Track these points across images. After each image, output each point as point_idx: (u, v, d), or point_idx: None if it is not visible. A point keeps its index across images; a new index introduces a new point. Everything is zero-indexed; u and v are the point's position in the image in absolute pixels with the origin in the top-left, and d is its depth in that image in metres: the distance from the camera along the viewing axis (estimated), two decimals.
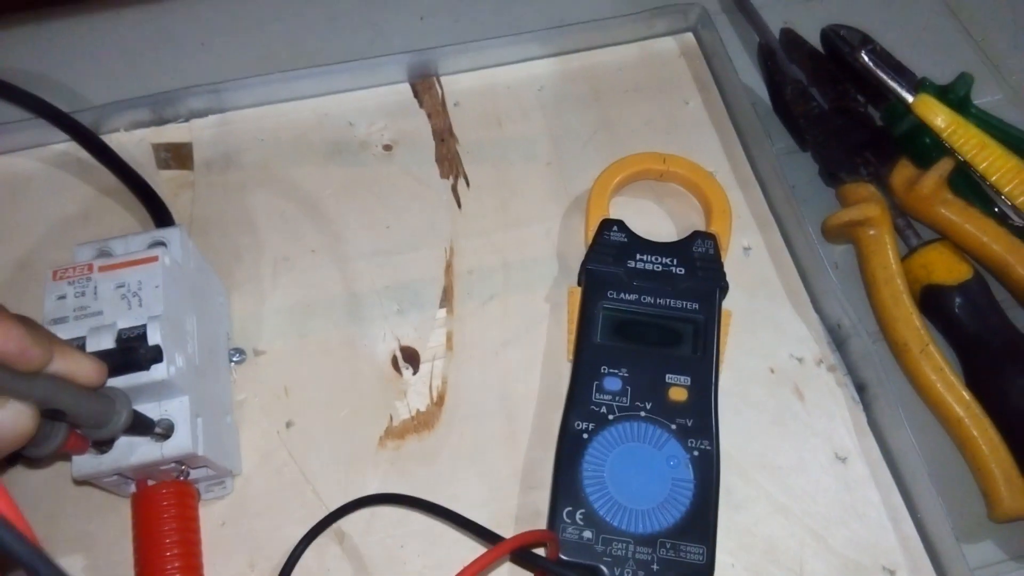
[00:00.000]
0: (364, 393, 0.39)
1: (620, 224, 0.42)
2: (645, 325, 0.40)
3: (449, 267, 0.43)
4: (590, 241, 0.41)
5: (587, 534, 0.35)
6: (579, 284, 0.41)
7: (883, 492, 0.38)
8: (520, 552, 0.34)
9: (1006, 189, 0.40)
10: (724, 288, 0.40)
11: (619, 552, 0.34)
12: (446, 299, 0.42)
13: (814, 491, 0.38)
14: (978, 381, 0.39)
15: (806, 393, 0.40)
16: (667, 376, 0.38)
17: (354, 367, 0.40)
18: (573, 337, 0.39)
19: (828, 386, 0.41)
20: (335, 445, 0.38)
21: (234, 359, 0.40)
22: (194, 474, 0.34)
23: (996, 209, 0.42)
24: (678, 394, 0.38)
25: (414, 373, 0.40)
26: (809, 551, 0.37)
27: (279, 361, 0.40)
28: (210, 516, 0.36)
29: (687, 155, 0.45)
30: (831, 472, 0.39)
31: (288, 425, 0.39)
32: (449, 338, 0.41)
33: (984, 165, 0.41)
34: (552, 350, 0.41)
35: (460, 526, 0.35)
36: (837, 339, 0.42)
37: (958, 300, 0.40)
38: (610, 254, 0.41)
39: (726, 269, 0.43)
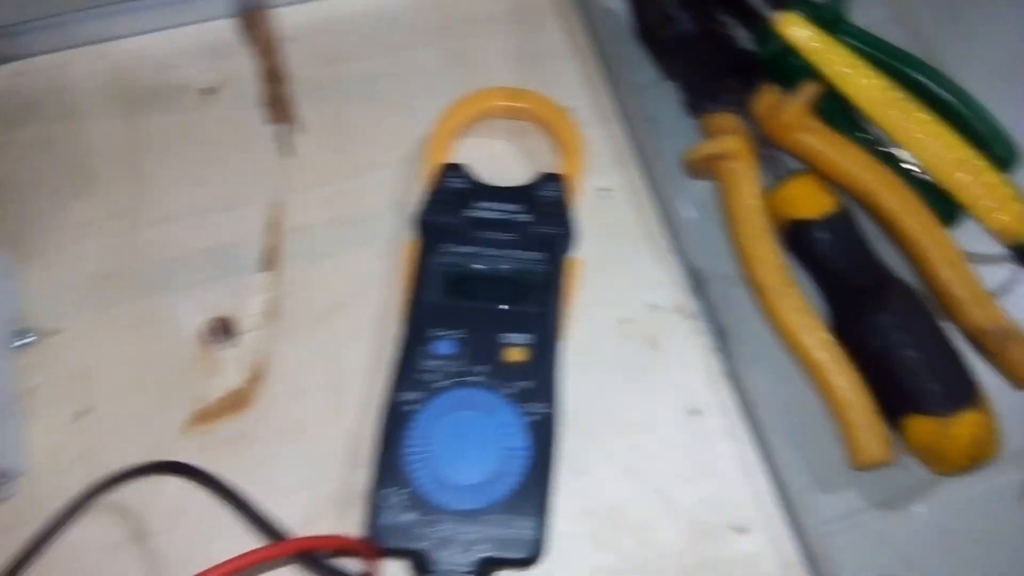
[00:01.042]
0: (171, 372, 0.36)
1: (461, 168, 0.38)
2: (484, 280, 0.36)
3: (275, 224, 0.39)
4: (427, 187, 0.38)
5: (409, 516, 0.32)
6: (415, 238, 0.38)
7: (738, 446, 0.36)
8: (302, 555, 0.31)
9: (876, 115, 0.37)
10: (571, 236, 0.37)
11: (444, 533, 0.32)
12: (270, 260, 0.39)
13: (664, 449, 0.36)
14: (842, 323, 0.37)
15: (662, 343, 0.38)
16: (505, 336, 0.35)
17: (161, 343, 0.37)
18: (406, 297, 0.36)
19: (685, 335, 0.38)
20: (137, 433, 0.35)
21: (17, 342, 0.36)
22: None
23: (865, 136, 0.39)
24: (516, 355, 0.35)
25: (230, 347, 0.37)
26: (657, 514, 0.35)
27: (78, 341, 0.36)
28: None
29: (546, 89, 0.41)
30: (684, 427, 0.36)
31: (85, 413, 0.35)
32: (271, 304, 0.38)
33: (850, 88, 0.37)
34: (387, 313, 0.38)
35: (247, 517, 0.32)
36: (696, 283, 0.39)
37: (822, 235, 0.37)
38: (448, 202, 0.37)
39: (582, 213, 0.39)
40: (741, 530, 0.34)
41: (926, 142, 0.36)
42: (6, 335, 0.35)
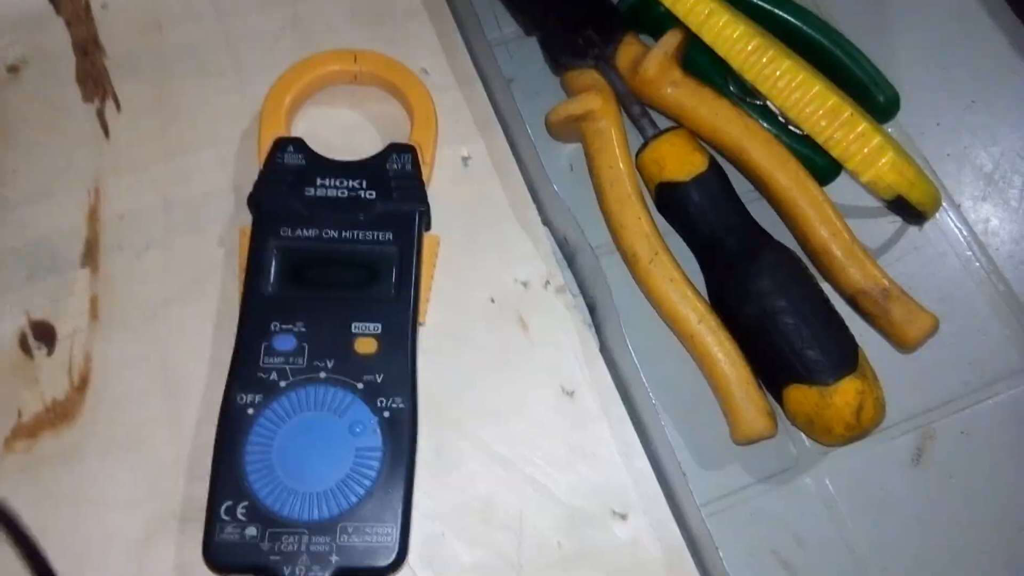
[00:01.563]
0: None
1: (298, 143, 0.34)
2: (327, 266, 0.33)
3: (94, 214, 0.35)
4: (261, 166, 0.34)
5: (250, 531, 0.29)
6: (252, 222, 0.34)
7: (615, 427, 0.34)
8: None
9: (737, 63, 0.35)
10: (425, 211, 0.34)
11: (290, 547, 0.28)
12: (89, 255, 0.34)
13: (537, 435, 0.33)
14: (719, 290, 0.35)
15: (531, 322, 0.35)
16: (354, 325, 0.32)
17: None
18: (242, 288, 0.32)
19: (556, 311, 0.35)
20: None
21: None
22: None
23: (731, 88, 0.36)
24: (367, 346, 0.31)
25: (49, 353, 0.33)
26: (531, 504, 0.32)
27: None
28: None
29: (398, 51, 0.38)
30: (557, 410, 0.34)
31: None
32: (93, 304, 0.34)
33: (708, 34, 0.35)
34: (228, 306, 0.34)
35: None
36: (567, 255, 0.36)
37: (691, 197, 0.35)
38: (284, 181, 0.34)
39: (442, 185, 0.36)
40: (622, 516, 0.32)
41: (792, 91, 0.34)
42: None
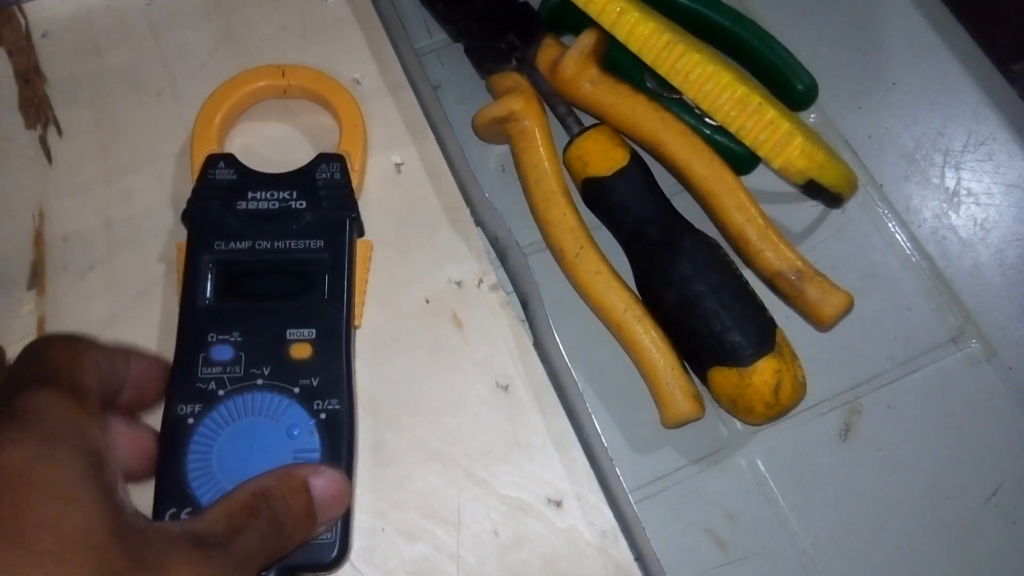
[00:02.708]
0: None
1: (229, 158, 0.35)
2: (261, 276, 0.34)
3: (39, 237, 0.36)
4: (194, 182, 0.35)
5: None
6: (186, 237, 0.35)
7: (549, 417, 0.35)
8: None
9: (650, 59, 0.36)
10: (355, 218, 0.35)
11: None
12: (35, 277, 0.35)
13: (473, 429, 0.34)
14: (644, 278, 0.36)
15: (465, 319, 0.36)
16: (288, 332, 0.33)
17: None
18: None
19: (490, 308, 0.36)
20: None
21: None
22: None
23: (647, 84, 0.37)
24: (301, 351, 0.32)
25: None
26: (468, 497, 0.33)
27: None
28: None
29: (330, 62, 0.39)
30: (491, 404, 0.35)
31: None
32: (40, 324, 0.35)
33: (620, 31, 0.36)
34: (169, 320, 0.35)
35: None
36: (499, 253, 0.38)
37: (613, 191, 0.36)
38: (216, 196, 0.35)
39: (376, 191, 0.38)
40: (557, 503, 0.33)
41: (703, 83, 0.35)
42: None
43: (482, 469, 0.34)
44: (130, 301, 0.35)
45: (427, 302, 0.36)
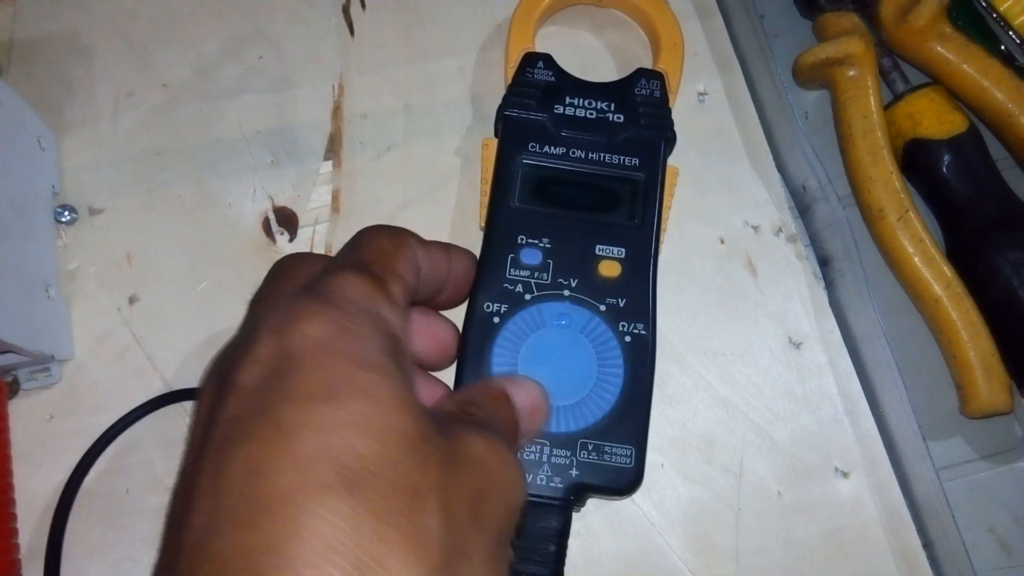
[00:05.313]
0: (227, 263, 0.32)
1: (547, 59, 0.34)
2: (573, 185, 0.32)
3: (337, 110, 0.35)
4: (509, 80, 0.34)
5: None
6: (496, 134, 0.34)
7: (841, 383, 0.33)
8: None
9: (1017, 21, 0.33)
10: (671, 140, 0.33)
11: (531, 455, 0.29)
12: (332, 150, 0.35)
13: (761, 381, 0.33)
14: (963, 256, 0.33)
15: (760, 267, 0.34)
16: (598, 247, 0.31)
17: (215, 231, 0.33)
18: (486, 200, 0.32)
19: (787, 259, 0.34)
20: (190, 326, 0.31)
21: (62, 218, 0.32)
22: (1, 360, 0.28)
23: (1002, 48, 0.35)
24: (610, 269, 0.31)
25: (291, 239, 0.33)
26: (751, 449, 0.32)
27: (121, 222, 0.33)
28: (32, 409, 0.30)
29: None
30: (782, 359, 0.33)
31: (132, 300, 0.32)
32: (335, 197, 0.34)
33: None
34: (463, 215, 0.34)
35: None
36: (801, 204, 0.35)
37: (947, 157, 0.34)
38: (533, 97, 0.33)
39: (675, 118, 0.35)
40: (844, 473, 0.32)
41: None
42: (46, 211, 0.31)
43: (768, 424, 0.32)
44: (424, 190, 0.34)
45: (721, 242, 0.35)
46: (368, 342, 0.21)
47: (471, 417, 0.24)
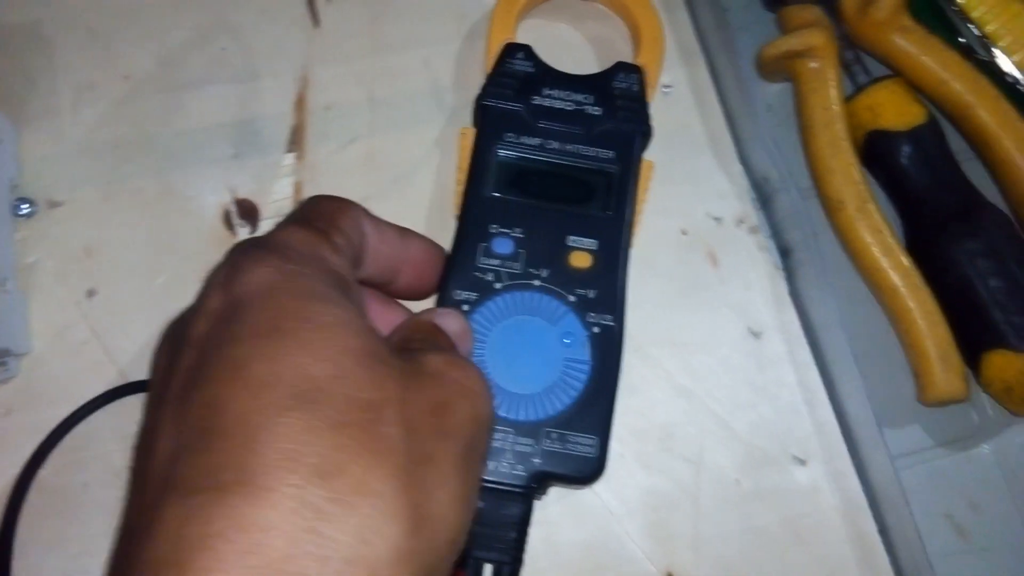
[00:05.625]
0: (187, 256, 0.32)
1: (527, 50, 0.34)
2: (548, 176, 0.32)
3: (301, 101, 0.35)
4: (489, 70, 0.34)
5: None
6: (473, 124, 0.34)
7: (800, 372, 0.33)
8: None
9: (975, 13, 0.33)
10: (647, 134, 0.33)
11: (496, 443, 0.29)
12: (295, 141, 0.34)
13: (721, 371, 0.33)
14: (921, 246, 0.34)
15: (721, 258, 0.35)
16: (570, 238, 0.31)
17: (175, 224, 0.33)
18: (462, 188, 0.32)
19: (747, 250, 0.35)
20: (149, 318, 0.31)
21: (20, 211, 0.32)
22: None
23: (961, 40, 0.35)
24: (581, 260, 0.31)
25: (251, 232, 0.33)
26: (711, 438, 0.32)
27: (80, 214, 0.33)
28: None
29: None
30: (742, 349, 0.33)
31: (90, 294, 0.32)
32: (298, 189, 0.34)
33: None
34: (430, 207, 0.34)
35: None
36: (763, 195, 0.36)
37: (906, 149, 0.34)
38: (512, 87, 0.33)
39: None
40: (801, 461, 0.32)
41: None
42: (4, 205, 0.31)
43: (727, 413, 0.33)
44: (388, 183, 0.34)
45: (683, 233, 0.35)
46: (311, 279, 0.22)
47: (416, 346, 0.24)
